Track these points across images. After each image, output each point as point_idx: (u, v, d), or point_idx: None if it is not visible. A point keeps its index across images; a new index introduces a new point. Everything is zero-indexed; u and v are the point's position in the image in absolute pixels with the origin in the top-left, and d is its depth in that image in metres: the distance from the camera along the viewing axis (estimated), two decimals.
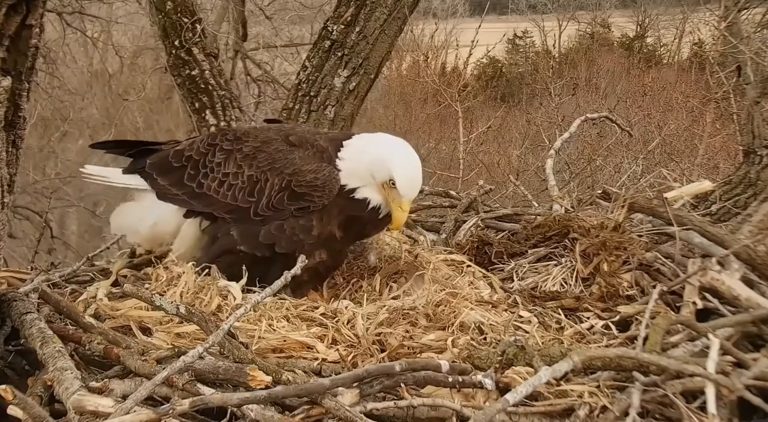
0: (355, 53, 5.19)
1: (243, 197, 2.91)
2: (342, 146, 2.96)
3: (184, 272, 2.82)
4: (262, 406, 1.97)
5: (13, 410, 1.91)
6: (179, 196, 3.03)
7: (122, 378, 2.15)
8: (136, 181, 3.13)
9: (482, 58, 23.56)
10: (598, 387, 2.14)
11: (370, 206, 2.89)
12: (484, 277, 3.08)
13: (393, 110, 19.79)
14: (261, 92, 9.98)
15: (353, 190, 2.89)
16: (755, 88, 4.77)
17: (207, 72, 5.88)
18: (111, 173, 3.23)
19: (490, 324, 2.62)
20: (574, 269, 3.06)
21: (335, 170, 2.88)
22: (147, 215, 3.09)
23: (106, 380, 2.12)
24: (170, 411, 1.83)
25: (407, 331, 2.55)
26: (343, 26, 5.17)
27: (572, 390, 2.12)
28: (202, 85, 5.87)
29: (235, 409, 1.95)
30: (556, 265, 3.14)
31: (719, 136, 13.39)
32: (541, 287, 3.04)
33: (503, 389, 2.09)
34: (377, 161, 2.85)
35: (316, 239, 2.89)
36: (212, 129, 5.79)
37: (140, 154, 3.16)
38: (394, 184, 2.82)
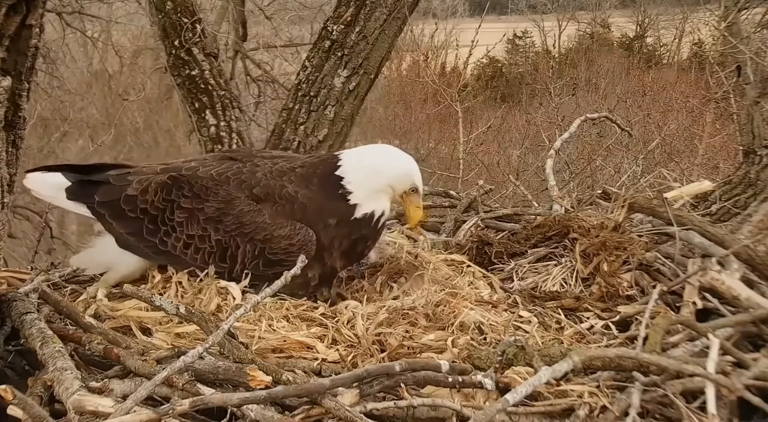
0: (355, 53, 5.19)
1: (214, 260, 2.74)
2: (337, 169, 2.85)
3: (174, 273, 2.81)
4: (262, 406, 1.96)
5: (13, 410, 1.91)
6: (141, 249, 2.82)
7: (122, 378, 2.15)
8: (85, 212, 2.89)
9: (482, 58, 23.59)
10: (598, 387, 2.14)
11: (374, 218, 2.86)
12: (484, 277, 3.08)
13: (393, 110, 19.80)
14: (261, 92, 9.99)
15: (355, 207, 2.83)
16: (755, 88, 4.77)
17: (207, 72, 5.88)
18: (56, 193, 2.93)
19: (490, 324, 2.62)
20: (574, 269, 3.05)
21: (308, 229, 2.74)
22: (112, 265, 2.89)
23: (106, 380, 2.12)
24: (170, 411, 1.83)
25: (407, 331, 2.55)
26: (343, 26, 5.17)
27: (572, 390, 2.12)
28: (202, 85, 5.87)
29: (235, 409, 1.95)
30: (556, 265, 3.13)
31: (719, 136, 13.40)
32: (541, 287, 3.04)
33: (503, 389, 2.08)
34: (400, 176, 2.90)
35: (316, 282, 2.83)
36: (212, 129, 5.80)
37: (81, 180, 2.89)
38: (414, 190, 2.91)
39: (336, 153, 3.01)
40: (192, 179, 2.81)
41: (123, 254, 2.87)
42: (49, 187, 2.96)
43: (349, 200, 2.83)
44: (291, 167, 2.90)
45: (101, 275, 2.94)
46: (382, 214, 2.89)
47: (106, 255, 2.91)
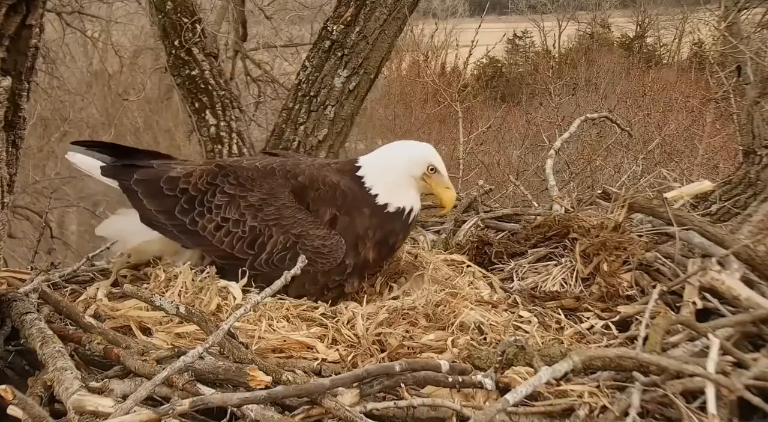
0: (355, 53, 5.18)
1: (241, 247, 2.80)
2: (357, 170, 2.95)
3: (180, 273, 2.82)
4: (262, 406, 1.96)
5: (13, 410, 1.91)
6: (167, 227, 2.89)
7: (122, 378, 2.15)
8: (116, 186, 2.99)
9: (482, 58, 23.56)
10: (598, 387, 2.14)
11: (405, 213, 2.92)
12: (484, 277, 3.08)
13: (393, 110, 19.80)
14: (261, 92, 9.98)
15: (386, 204, 2.90)
16: (755, 88, 4.78)
17: (207, 72, 5.88)
18: (93, 167, 3.05)
19: (490, 324, 2.62)
20: (574, 269, 3.05)
21: (341, 239, 2.81)
22: (133, 235, 3.00)
23: (106, 380, 2.12)
24: (170, 411, 1.83)
25: (407, 331, 2.55)
26: (343, 26, 5.16)
27: (572, 390, 2.12)
28: (202, 86, 5.87)
29: (235, 409, 1.95)
30: (556, 265, 3.13)
31: (719, 136, 13.40)
32: (541, 287, 3.04)
33: (503, 389, 2.08)
34: (413, 158, 2.96)
35: (351, 270, 2.86)
36: (212, 129, 5.80)
37: (125, 160, 3.01)
38: (433, 169, 2.95)
39: (354, 158, 3.08)
40: (238, 169, 2.92)
41: (145, 228, 2.95)
42: (86, 161, 3.06)
43: (377, 199, 2.91)
44: (326, 163, 3.08)
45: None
46: (411, 209, 2.95)
47: (130, 226, 2.99)
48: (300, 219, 2.81)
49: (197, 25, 5.83)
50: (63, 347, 2.23)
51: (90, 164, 3.05)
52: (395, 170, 2.94)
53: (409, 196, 2.95)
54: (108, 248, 3.39)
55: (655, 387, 2.12)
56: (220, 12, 10.04)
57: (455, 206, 3.96)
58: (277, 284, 2.40)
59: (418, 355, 2.43)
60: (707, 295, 2.73)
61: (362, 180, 2.93)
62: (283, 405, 2.01)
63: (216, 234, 2.82)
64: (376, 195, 2.91)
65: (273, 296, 2.53)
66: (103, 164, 3.02)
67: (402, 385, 2.07)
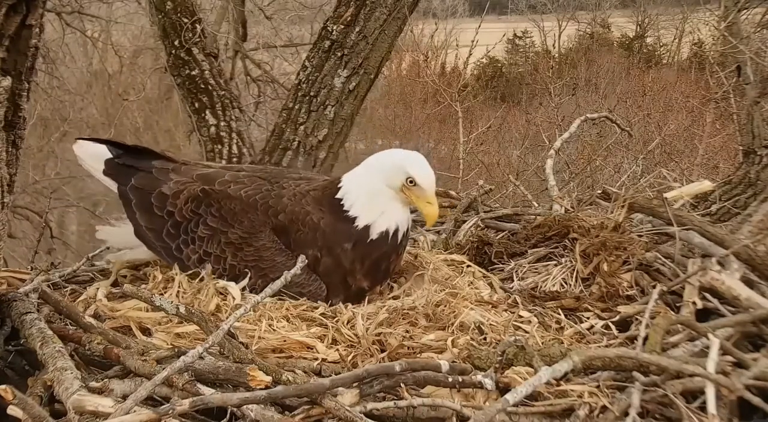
0: (354, 53, 5.18)
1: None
2: (338, 192, 2.82)
3: (177, 274, 2.82)
4: (262, 406, 1.96)
5: (13, 410, 1.91)
6: (155, 246, 2.90)
7: (122, 378, 2.15)
8: (114, 190, 3.00)
9: (482, 58, 23.57)
10: (598, 387, 2.14)
11: (390, 235, 2.79)
12: (484, 277, 3.08)
13: (393, 110, 19.82)
14: (261, 92, 9.98)
15: (368, 228, 2.77)
16: (755, 88, 4.78)
17: (207, 72, 5.89)
18: (96, 164, 3.06)
19: (490, 324, 2.62)
20: (574, 269, 3.05)
21: (321, 284, 2.74)
22: (128, 247, 3.05)
23: (106, 380, 2.12)
24: (170, 411, 1.83)
25: (407, 331, 2.54)
26: (343, 26, 5.16)
27: (572, 390, 2.11)
28: (202, 86, 5.88)
29: (235, 409, 1.95)
30: (556, 265, 3.13)
31: (719, 136, 13.41)
32: (541, 287, 3.04)
33: (503, 389, 2.08)
34: (389, 169, 2.77)
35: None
36: (212, 129, 5.80)
37: (128, 158, 3.01)
38: (413, 182, 2.75)
39: (339, 177, 2.93)
40: (222, 198, 2.85)
41: (140, 243, 2.97)
42: (91, 156, 3.06)
43: (356, 224, 2.78)
44: (307, 190, 2.90)
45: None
46: (397, 229, 2.81)
47: (126, 239, 3.01)
48: (279, 263, 2.74)
49: (197, 25, 5.84)
50: (63, 347, 2.23)
51: (97, 153, 3.04)
52: (372, 184, 2.78)
53: (392, 214, 2.79)
54: (108, 248, 3.40)
55: (655, 387, 2.12)
56: (220, 12, 10.04)
57: (455, 206, 3.97)
58: (277, 284, 2.39)
59: (418, 355, 2.42)
60: (707, 295, 2.73)
61: (341, 202, 2.79)
62: (283, 405, 2.01)
63: (199, 266, 2.80)
64: (355, 218, 2.77)
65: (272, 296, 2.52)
66: (109, 157, 3.01)
67: (402, 385, 2.07)
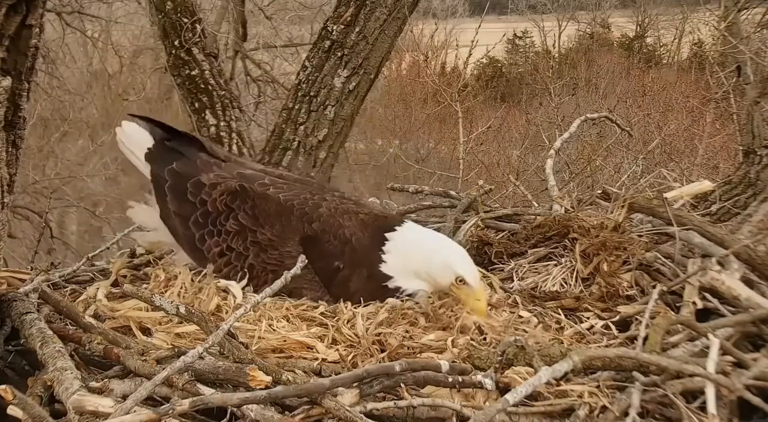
0: (355, 53, 5.18)
1: (236, 278, 2.76)
2: (391, 230, 2.79)
3: (180, 273, 2.82)
4: (262, 406, 1.96)
5: (13, 410, 1.91)
6: (178, 231, 2.89)
7: (122, 378, 2.15)
8: (147, 173, 2.99)
9: (482, 58, 23.58)
10: (598, 387, 2.14)
11: (402, 292, 2.74)
12: (484, 277, 3.08)
13: (393, 110, 19.81)
14: (261, 92, 9.99)
15: (397, 289, 2.73)
16: (755, 88, 4.77)
17: (207, 72, 5.88)
18: (139, 149, 3.04)
19: (490, 324, 2.62)
20: (574, 269, 3.05)
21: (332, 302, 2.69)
22: (152, 229, 3.08)
23: (106, 380, 2.12)
24: (170, 411, 1.83)
25: (407, 331, 2.54)
26: (343, 26, 5.16)
27: (572, 390, 2.11)
28: (202, 86, 5.87)
29: (235, 409, 1.95)
30: (556, 265, 3.13)
31: (719, 136, 13.42)
32: (541, 287, 3.04)
33: (503, 389, 2.08)
34: (438, 269, 2.71)
35: None
36: (212, 129, 5.80)
37: (177, 144, 3.00)
38: (462, 281, 2.68)
39: (400, 219, 2.93)
40: (259, 197, 2.84)
41: (163, 227, 2.96)
42: (134, 141, 3.06)
43: (381, 267, 2.75)
44: (356, 210, 2.90)
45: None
46: (411, 293, 2.75)
47: (152, 222, 3.03)
48: (297, 275, 2.67)
49: (197, 25, 5.83)
50: (63, 347, 2.23)
51: (143, 138, 3.04)
52: (416, 266, 2.73)
53: (417, 283, 2.75)
54: (108, 248, 3.40)
55: (655, 387, 2.12)
56: (220, 12, 10.05)
57: (454, 207, 3.97)
58: (277, 284, 2.39)
59: (418, 355, 2.42)
60: (707, 295, 2.73)
61: (383, 248, 2.76)
62: (283, 405, 2.01)
63: (218, 260, 2.80)
64: (382, 261, 2.75)
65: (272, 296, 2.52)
66: (152, 143, 3.00)
67: (402, 385, 2.07)
